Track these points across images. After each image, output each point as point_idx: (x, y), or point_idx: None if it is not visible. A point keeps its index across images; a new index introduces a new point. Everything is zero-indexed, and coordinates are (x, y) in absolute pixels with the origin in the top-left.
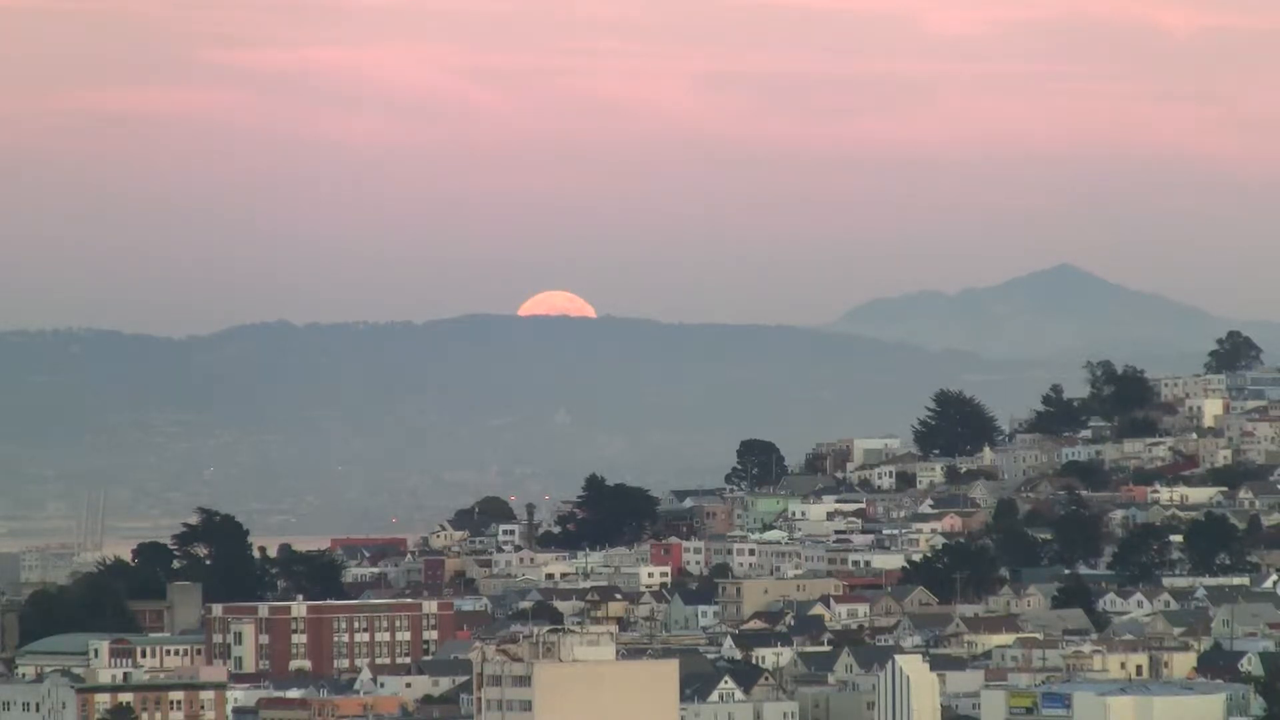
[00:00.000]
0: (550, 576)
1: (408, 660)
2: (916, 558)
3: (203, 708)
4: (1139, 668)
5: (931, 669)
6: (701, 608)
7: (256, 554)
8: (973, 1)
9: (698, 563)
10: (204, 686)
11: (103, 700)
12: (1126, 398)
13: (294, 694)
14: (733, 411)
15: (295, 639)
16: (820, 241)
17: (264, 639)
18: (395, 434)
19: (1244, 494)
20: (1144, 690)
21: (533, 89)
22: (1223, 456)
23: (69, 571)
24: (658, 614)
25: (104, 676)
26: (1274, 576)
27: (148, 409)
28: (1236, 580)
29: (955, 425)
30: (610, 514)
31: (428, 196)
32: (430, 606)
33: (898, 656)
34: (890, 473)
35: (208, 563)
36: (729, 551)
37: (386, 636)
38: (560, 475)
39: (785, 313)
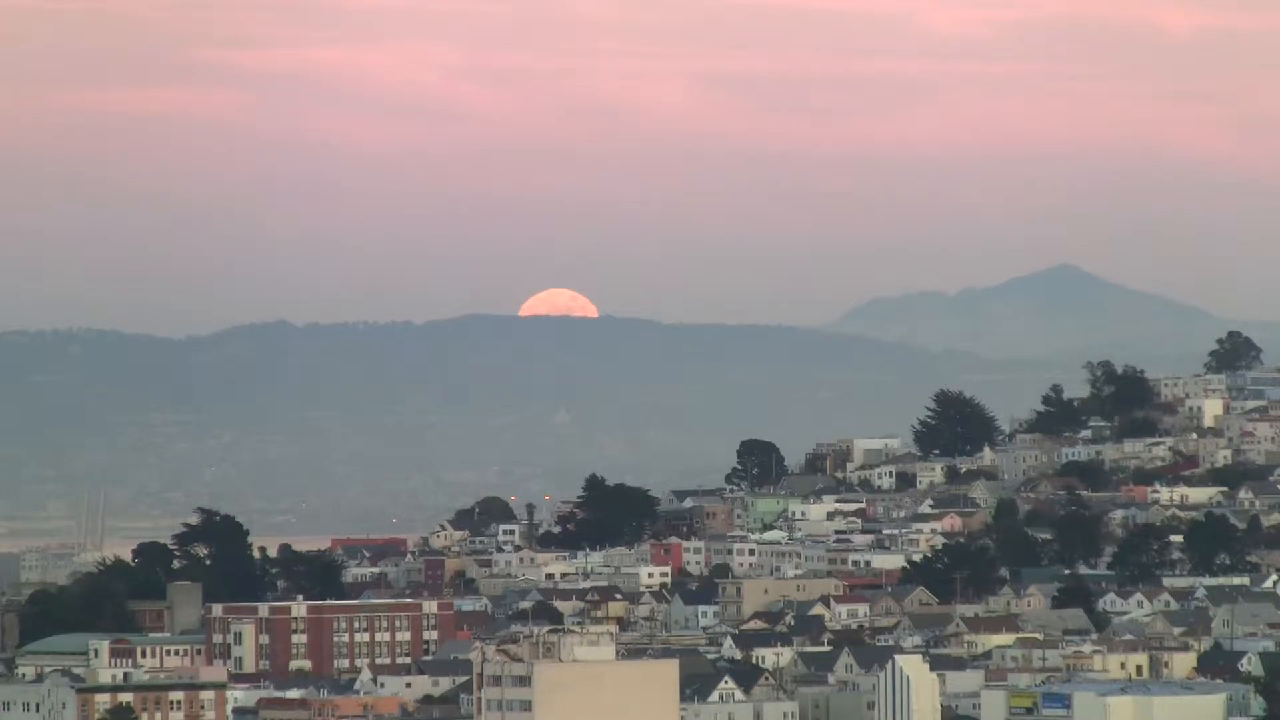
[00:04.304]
0: (550, 576)
1: (408, 660)
2: (916, 558)
3: (203, 708)
4: (1139, 668)
5: (931, 669)
6: (701, 608)
7: (256, 554)
8: (973, 1)
9: (698, 563)
10: (204, 686)
11: (103, 700)
12: (1126, 398)
13: (294, 694)
14: (733, 411)
15: (295, 639)
16: (820, 241)
17: (264, 639)
18: (395, 434)
19: (1244, 494)
20: (1144, 690)
21: (533, 89)
22: (1223, 456)
23: (69, 571)
24: (658, 614)
25: (104, 676)
26: (1274, 576)
27: (148, 409)
28: (1236, 580)
29: (955, 425)
30: (610, 514)
31: (428, 196)
32: (430, 606)
33: (898, 656)
34: (890, 473)
35: (208, 563)
36: (729, 551)
37: (386, 636)
38: (560, 475)
39: (785, 313)
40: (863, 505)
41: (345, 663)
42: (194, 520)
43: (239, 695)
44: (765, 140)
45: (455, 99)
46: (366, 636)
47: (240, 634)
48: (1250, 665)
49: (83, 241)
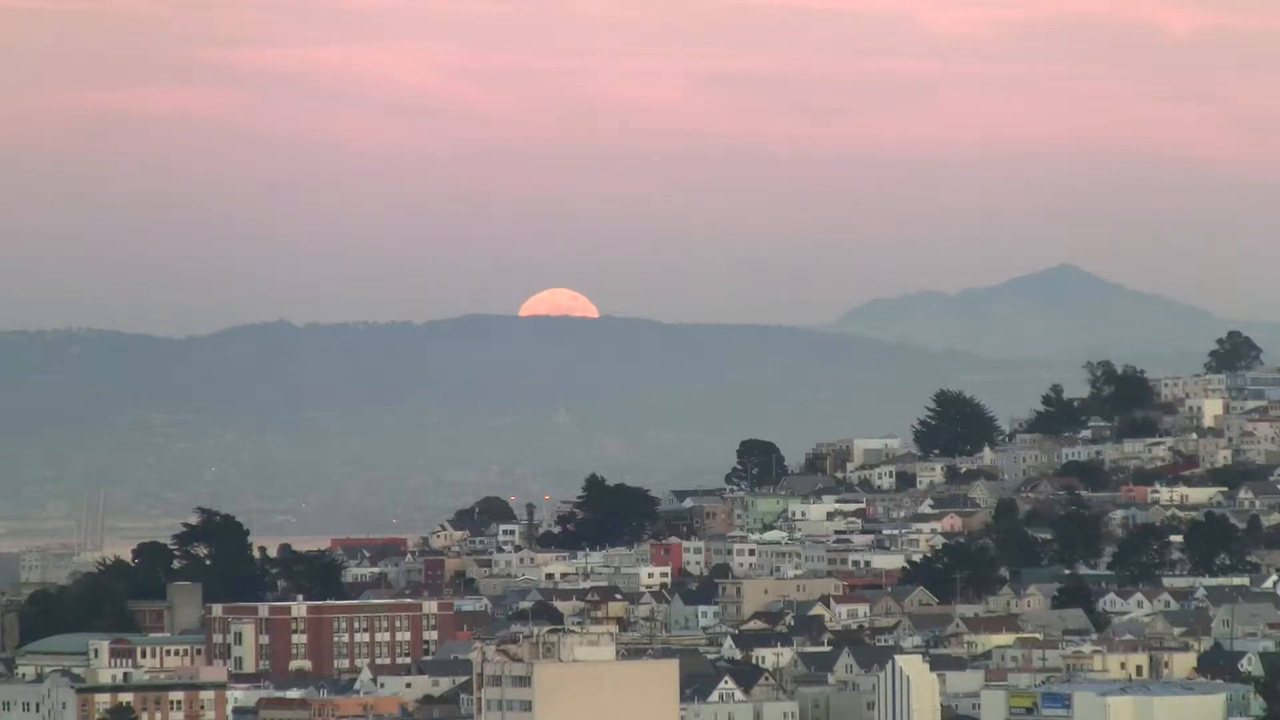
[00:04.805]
0: (550, 576)
1: (408, 660)
2: (916, 558)
3: (203, 708)
4: (1139, 668)
5: (931, 669)
6: (701, 608)
7: (256, 554)
8: (973, 1)
9: (698, 563)
10: (204, 686)
11: (103, 700)
12: (1126, 398)
13: (294, 694)
14: (733, 411)
15: (295, 639)
16: (820, 241)
17: (264, 639)
18: (395, 434)
19: (1244, 494)
20: (1144, 690)
21: (533, 89)
22: (1223, 456)
23: (69, 571)
24: (658, 614)
25: (104, 676)
26: (1274, 576)
27: (148, 409)
28: (1236, 580)
29: (955, 425)
30: (610, 514)
31: (428, 196)
32: (430, 606)
33: (898, 656)
34: (890, 473)
35: (208, 563)
36: (729, 551)
37: (386, 636)
38: (560, 475)
39: (785, 313)
40: (863, 505)
41: (345, 663)
42: (194, 520)
43: (239, 695)
44: (765, 140)
45: (455, 99)
46: (366, 636)
47: (240, 634)
48: (1250, 665)
49: (83, 241)
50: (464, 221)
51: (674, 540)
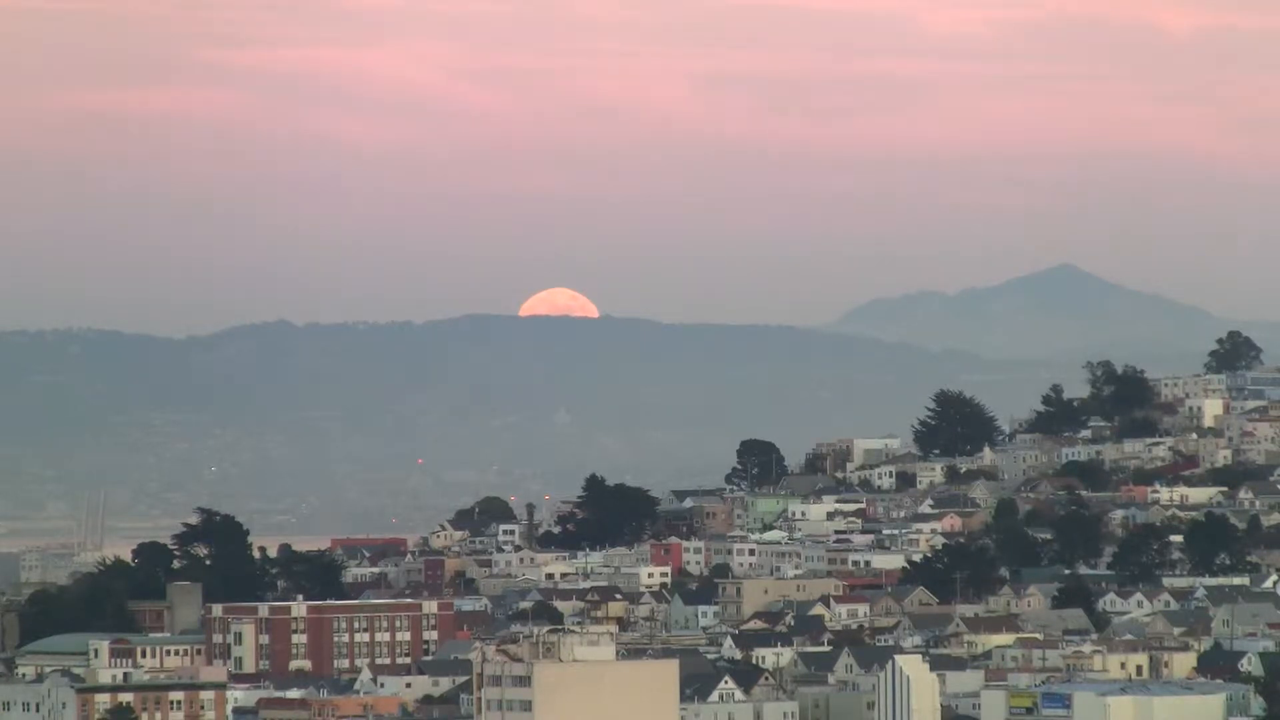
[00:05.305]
0: (550, 576)
1: (408, 660)
2: (916, 558)
3: (203, 708)
4: (1139, 668)
5: (931, 669)
6: (701, 608)
7: (256, 554)
8: (973, 1)
9: (698, 563)
10: (204, 686)
11: (103, 700)
12: (1126, 398)
13: (294, 694)
14: (733, 411)
15: (295, 639)
16: (820, 241)
17: (264, 639)
18: (395, 434)
19: (1244, 494)
20: (1144, 690)
21: (532, 89)
22: (1223, 456)
23: (69, 571)
24: (658, 614)
25: (104, 676)
26: (1274, 576)
27: (148, 409)
28: (1236, 580)
29: (955, 425)
30: (610, 514)
31: (428, 196)
32: (430, 606)
33: (898, 656)
34: (890, 473)
35: (208, 563)
36: (729, 551)
37: (386, 636)
38: (560, 475)
39: (785, 313)
40: (863, 505)
41: (345, 663)
42: (194, 520)
43: (239, 695)
44: (765, 140)
45: (455, 99)
46: (366, 636)
47: (240, 634)
48: (1250, 665)
49: (83, 241)
50: (464, 221)
51: (674, 540)
